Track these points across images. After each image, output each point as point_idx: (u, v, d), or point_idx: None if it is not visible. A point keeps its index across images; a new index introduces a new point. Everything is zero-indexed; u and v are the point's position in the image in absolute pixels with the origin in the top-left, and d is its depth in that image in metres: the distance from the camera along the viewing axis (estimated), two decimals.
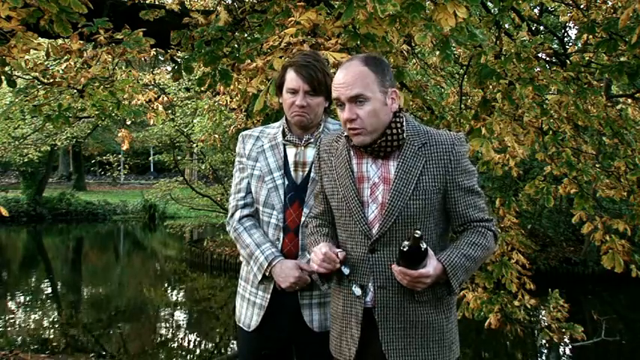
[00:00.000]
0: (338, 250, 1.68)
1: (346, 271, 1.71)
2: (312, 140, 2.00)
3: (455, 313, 1.77)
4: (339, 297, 1.77)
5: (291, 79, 1.94)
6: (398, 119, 1.68)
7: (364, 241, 1.69)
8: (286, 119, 2.05)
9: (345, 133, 1.73)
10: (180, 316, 9.57)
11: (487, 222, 1.71)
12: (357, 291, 1.70)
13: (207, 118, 8.58)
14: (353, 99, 1.63)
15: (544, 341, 7.45)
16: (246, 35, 3.05)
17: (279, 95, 2.05)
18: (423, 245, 1.53)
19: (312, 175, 1.98)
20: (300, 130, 2.01)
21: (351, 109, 1.64)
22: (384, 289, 1.66)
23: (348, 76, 1.65)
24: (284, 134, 2.04)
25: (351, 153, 1.74)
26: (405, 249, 1.53)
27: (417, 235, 1.49)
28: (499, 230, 2.70)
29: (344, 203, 1.72)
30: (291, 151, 2.03)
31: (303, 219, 1.96)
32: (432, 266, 1.57)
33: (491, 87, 3.41)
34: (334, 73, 1.76)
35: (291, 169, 2.01)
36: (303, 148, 2.01)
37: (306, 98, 1.93)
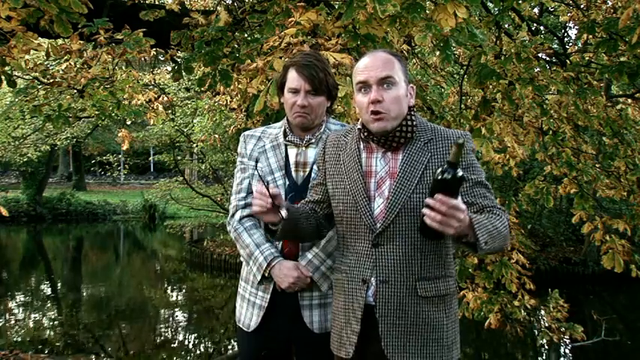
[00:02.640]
0: (272, 187, 1.67)
1: (284, 213, 1.67)
2: (313, 140, 2.00)
3: (456, 313, 1.77)
4: (340, 293, 1.77)
5: (293, 78, 1.94)
6: (412, 113, 1.72)
7: (368, 235, 1.69)
8: (288, 120, 2.05)
9: (358, 126, 1.74)
10: (180, 316, 9.56)
11: (499, 209, 1.67)
12: (283, 213, 1.68)
13: (207, 118, 8.57)
14: (382, 81, 1.65)
15: (544, 341, 7.45)
16: (246, 35, 3.05)
17: (280, 95, 2.04)
18: (460, 172, 1.45)
19: (313, 175, 1.98)
20: (301, 131, 2.01)
21: (378, 91, 1.65)
22: (386, 284, 1.66)
23: (377, 60, 1.67)
24: (285, 135, 2.03)
25: (361, 147, 1.76)
26: (443, 175, 1.44)
27: (460, 142, 1.40)
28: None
29: (350, 196, 1.72)
30: (292, 152, 2.03)
31: None
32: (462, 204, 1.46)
33: (491, 87, 3.41)
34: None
35: (292, 169, 2.01)
36: (304, 148, 2.01)
37: (307, 98, 1.93)
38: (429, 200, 1.45)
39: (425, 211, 1.45)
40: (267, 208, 1.65)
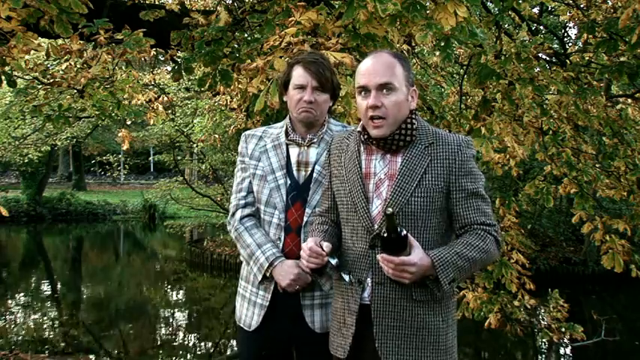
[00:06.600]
0: (324, 242, 1.68)
1: (333, 261, 1.70)
2: (315, 140, 2.00)
3: (453, 317, 1.76)
4: (338, 293, 1.79)
5: (299, 75, 1.94)
6: (413, 116, 1.71)
7: (366, 237, 1.70)
8: (290, 119, 2.04)
9: (359, 129, 1.75)
10: (180, 316, 9.56)
11: (488, 226, 1.69)
12: (347, 278, 1.71)
13: (208, 118, 8.58)
14: (381, 87, 1.65)
15: (544, 341, 7.45)
16: (246, 35, 3.05)
17: (283, 93, 2.04)
18: (403, 231, 1.53)
19: (314, 175, 1.98)
20: (304, 129, 2.01)
21: (377, 97, 1.65)
22: (381, 286, 1.67)
23: (378, 64, 1.67)
24: (287, 134, 2.04)
25: (361, 149, 1.76)
26: (384, 234, 1.53)
27: (388, 212, 1.48)
28: (501, 234, 2.69)
29: (349, 198, 1.73)
30: (293, 151, 2.03)
31: (305, 219, 1.95)
32: (416, 256, 1.55)
33: (491, 87, 3.41)
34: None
35: (294, 168, 2.01)
36: (306, 147, 2.01)
37: (313, 94, 1.93)
38: (378, 256, 1.60)
39: (380, 262, 1.59)
40: (321, 264, 1.68)
